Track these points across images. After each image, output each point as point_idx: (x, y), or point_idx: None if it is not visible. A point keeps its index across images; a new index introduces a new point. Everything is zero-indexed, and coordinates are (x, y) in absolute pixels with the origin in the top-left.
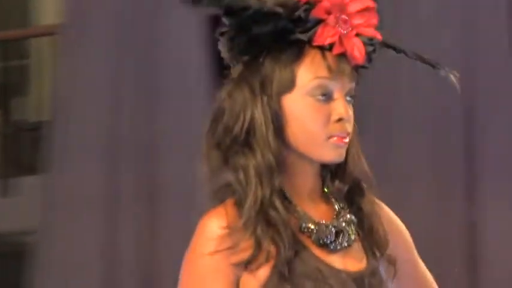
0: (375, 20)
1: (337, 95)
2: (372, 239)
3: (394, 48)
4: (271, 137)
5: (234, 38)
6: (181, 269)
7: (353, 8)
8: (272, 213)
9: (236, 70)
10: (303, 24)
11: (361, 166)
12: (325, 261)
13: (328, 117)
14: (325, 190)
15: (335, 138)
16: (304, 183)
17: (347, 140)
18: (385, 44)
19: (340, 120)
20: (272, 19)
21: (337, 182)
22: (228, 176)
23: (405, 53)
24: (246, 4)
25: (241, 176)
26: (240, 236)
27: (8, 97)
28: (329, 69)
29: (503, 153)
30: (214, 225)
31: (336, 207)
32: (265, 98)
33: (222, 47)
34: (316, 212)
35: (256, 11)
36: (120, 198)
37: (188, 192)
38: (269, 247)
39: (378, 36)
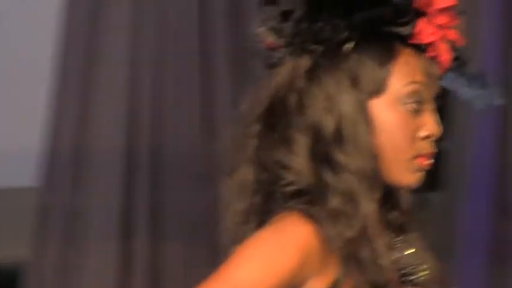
0: (457, 21)
1: (427, 105)
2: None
3: (460, 62)
4: (368, 139)
5: (303, 21)
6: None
7: (438, 3)
8: (378, 241)
9: (302, 61)
10: (401, 16)
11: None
12: None
13: (416, 131)
14: None
15: (422, 159)
16: None
17: (431, 162)
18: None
19: (428, 137)
20: (376, 4)
21: (395, 213)
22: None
23: (465, 70)
24: None
25: (350, 178)
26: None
27: None
28: (425, 73)
29: None
30: (307, 234)
31: (394, 239)
32: (356, 95)
33: (274, 30)
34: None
35: None
36: None
37: None
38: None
39: (461, 41)
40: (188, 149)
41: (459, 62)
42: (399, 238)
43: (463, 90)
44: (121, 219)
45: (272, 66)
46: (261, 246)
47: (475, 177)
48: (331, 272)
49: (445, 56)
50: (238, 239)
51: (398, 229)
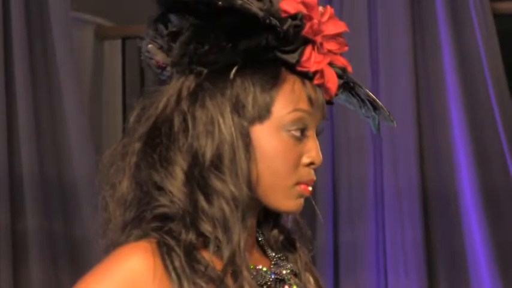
0: (346, 48)
1: (310, 132)
2: None
3: (353, 85)
4: (247, 166)
5: (190, 43)
6: None
7: (328, 29)
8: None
9: (187, 82)
10: (287, 43)
11: (295, 216)
12: None
13: (299, 158)
14: (259, 238)
15: (302, 186)
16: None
17: (311, 188)
18: (348, 78)
19: (311, 164)
20: (262, 31)
21: (275, 231)
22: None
23: (359, 93)
24: (233, 4)
25: (224, 205)
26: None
27: None
28: (310, 101)
29: None
30: (136, 261)
31: (273, 255)
32: (238, 121)
33: (163, 49)
34: (251, 258)
35: (246, 17)
36: None
37: None
38: None
39: (349, 68)
40: None
41: (349, 86)
42: (278, 255)
43: (359, 111)
44: None
45: (162, 83)
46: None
47: None
48: None
49: (333, 82)
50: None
51: (280, 247)
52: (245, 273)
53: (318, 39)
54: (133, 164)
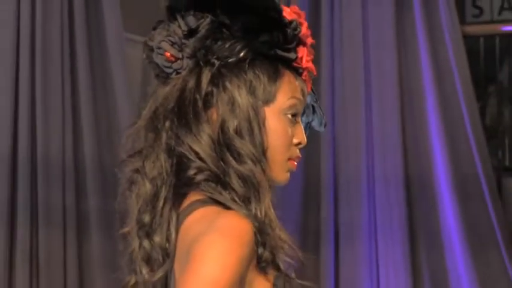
0: (313, 56)
1: (298, 119)
2: None
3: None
4: (262, 137)
5: (207, 38)
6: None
7: (309, 39)
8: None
9: (206, 70)
10: (288, 43)
11: None
12: None
13: (292, 139)
14: None
15: (292, 162)
16: None
17: (296, 164)
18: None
19: (299, 144)
20: (276, 30)
21: None
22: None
23: (316, 99)
24: (266, 5)
25: (252, 166)
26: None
27: None
28: (301, 91)
29: None
30: (250, 229)
31: None
32: (253, 101)
33: (176, 45)
34: None
35: (268, 17)
36: None
37: None
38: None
39: (315, 73)
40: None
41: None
42: None
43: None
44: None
45: (168, 75)
46: (222, 252)
47: None
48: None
49: (309, 80)
50: (145, 213)
51: None
52: (280, 227)
53: (308, 41)
54: (166, 138)
